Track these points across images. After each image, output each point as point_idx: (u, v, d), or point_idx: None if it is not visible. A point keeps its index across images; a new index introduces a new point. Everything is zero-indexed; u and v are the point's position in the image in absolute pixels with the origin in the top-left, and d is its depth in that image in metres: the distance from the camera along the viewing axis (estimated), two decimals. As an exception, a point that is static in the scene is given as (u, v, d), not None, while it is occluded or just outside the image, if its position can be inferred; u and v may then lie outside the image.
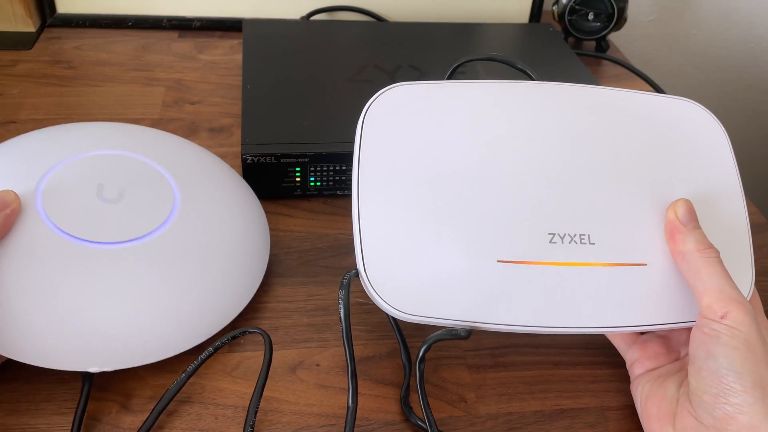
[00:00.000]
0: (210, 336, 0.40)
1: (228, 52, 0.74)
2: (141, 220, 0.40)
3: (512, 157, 0.39)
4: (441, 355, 0.43)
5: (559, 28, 0.79)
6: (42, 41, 0.73)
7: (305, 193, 0.54)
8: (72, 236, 0.38)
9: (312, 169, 0.52)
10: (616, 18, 0.76)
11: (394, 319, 0.41)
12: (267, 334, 0.38)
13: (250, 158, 0.50)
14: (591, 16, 0.77)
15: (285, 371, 0.41)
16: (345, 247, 0.50)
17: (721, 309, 0.33)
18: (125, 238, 0.39)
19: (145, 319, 0.38)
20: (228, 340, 0.39)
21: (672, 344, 0.40)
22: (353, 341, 0.43)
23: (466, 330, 0.35)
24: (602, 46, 0.80)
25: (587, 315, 0.36)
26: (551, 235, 0.37)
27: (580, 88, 0.43)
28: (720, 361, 0.32)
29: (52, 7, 0.75)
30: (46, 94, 0.64)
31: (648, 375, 0.39)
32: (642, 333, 0.41)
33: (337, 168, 0.52)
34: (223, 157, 0.53)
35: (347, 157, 0.52)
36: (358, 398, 0.39)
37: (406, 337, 0.42)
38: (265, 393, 0.39)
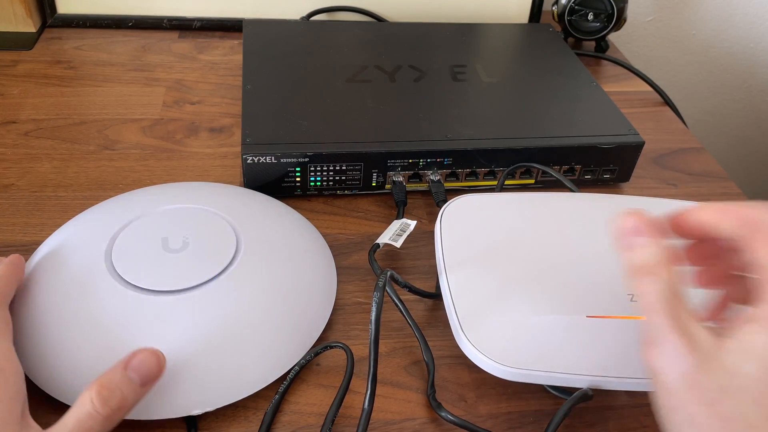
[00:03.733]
0: (298, 359, 0.40)
1: (228, 53, 0.74)
2: (208, 263, 0.42)
3: (571, 242, 0.44)
4: (441, 355, 0.43)
5: (558, 28, 0.79)
6: (42, 41, 0.73)
7: (305, 193, 0.54)
8: (146, 289, 0.40)
9: (312, 169, 0.52)
10: (616, 18, 0.76)
11: (413, 319, 0.43)
12: (348, 347, 0.40)
13: (250, 158, 0.50)
14: (591, 16, 0.77)
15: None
16: (345, 247, 0.50)
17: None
18: (195, 283, 0.40)
19: (237, 355, 0.39)
20: (311, 356, 0.40)
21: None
22: (355, 341, 0.43)
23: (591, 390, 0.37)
24: (602, 46, 0.80)
25: None
26: (631, 296, 0.40)
27: (612, 197, 0.51)
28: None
29: (53, 7, 0.75)
30: (47, 95, 0.64)
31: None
32: None
33: (337, 168, 0.52)
34: (223, 157, 0.54)
35: (347, 157, 0.52)
36: (358, 398, 0.39)
37: (404, 338, 0.42)
38: (265, 393, 0.39)
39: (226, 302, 0.40)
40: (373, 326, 0.37)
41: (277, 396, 0.39)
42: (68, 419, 0.31)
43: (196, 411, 0.37)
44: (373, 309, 0.37)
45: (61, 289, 0.40)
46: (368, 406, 0.36)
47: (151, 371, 0.34)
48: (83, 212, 0.48)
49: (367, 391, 0.36)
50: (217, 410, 0.38)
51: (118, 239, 0.43)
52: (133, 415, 0.35)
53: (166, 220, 0.45)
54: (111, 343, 0.37)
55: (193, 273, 0.41)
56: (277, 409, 0.39)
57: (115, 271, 0.41)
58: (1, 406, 0.30)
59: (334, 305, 0.44)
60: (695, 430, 0.25)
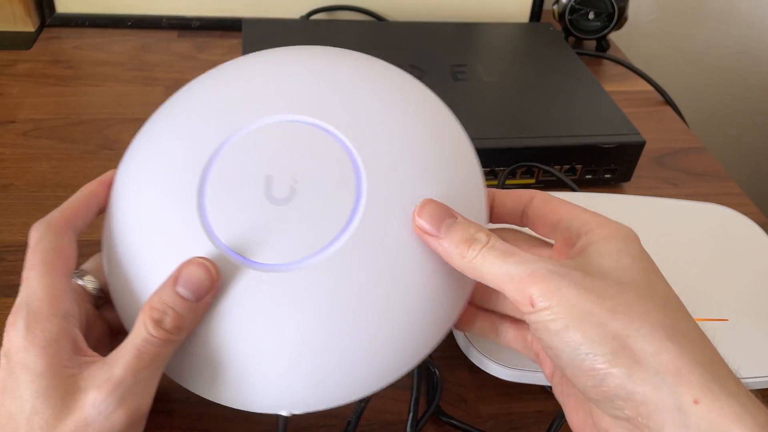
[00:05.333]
0: (414, 365, 0.32)
1: (228, 52, 0.74)
2: (319, 227, 0.31)
3: None
4: (441, 355, 0.42)
5: (559, 27, 0.79)
6: (41, 41, 0.73)
7: (305, 193, 0.54)
8: (250, 260, 0.30)
9: (312, 168, 0.52)
10: (617, 17, 0.76)
11: None
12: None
13: (250, 158, 0.50)
14: (591, 16, 0.77)
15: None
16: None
17: (525, 297, 0.27)
18: (296, 258, 0.30)
19: (335, 355, 0.30)
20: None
21: None
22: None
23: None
24: (602, 45, 0.79)
25: None
26: None
27: (613, 197, 0.51)
28: (567, 351, 0.26)
29: (52, 6, 0.75)
30: (46, 94, 0.64)
31: (564, 381, 0.32)
32: None
33: (337, 168, 0.52)
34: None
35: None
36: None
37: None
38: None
39: (345, 276, 0.30)
40: None
41: (362, 403, 0.36)
42: (126, 346, 0.28)
43: (284, 412, 0.31)
44: None
45: (149, 250, 0.31)
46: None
47: (202, 283, 0.29)
48: (164, 108, 0.39)
49: None
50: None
51: (209, 183, 0.32)
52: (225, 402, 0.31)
53: (265, 146, 0.33)
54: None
55: (304, 237, 0.30)
56: (360, 414, 0.36)
57: (215, 236, 0.31)
58: (39, 352, 0.27)
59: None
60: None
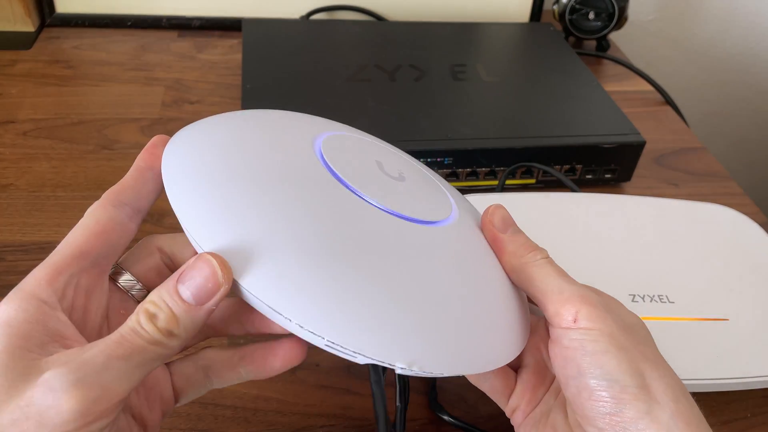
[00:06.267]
0: (514, 355, 0.30)
1: (227, 52, 0.74)
2: (434, 204, 0.32)
3: (571, 241, 0.44)
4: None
5: (559, 27, 0.79)
6: (41, 41, 0.73)
7: (305, 193, 0.54)
8: (395, 213, 0.29)
9: (312, 168, 0.52)
10: (617, 17, 0.76)
11: None
12: None
13: (250, 158, 0.50)
14: (591, 16, 0.77)
15: (285, 371, 0.41)
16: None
17: (570, 312, 0.28)
18: (434, 219, 0.31)
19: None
20: None
21: (542, 367, 0.34)
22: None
23: None
24: (603, 45, 0.79)
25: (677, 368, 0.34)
26: (632, 295, 0.41)
27: (613, 197, 0.51)
28: (595, 373, 0.27)
29: (51, 6, 0.75)
30: (45, 94, 0.64)
31: (531, 419, 0.33)
32: (516, 371, 0.35)
33: (337, 167, 0.52)
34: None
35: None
36: (358, 398, 0.39)
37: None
38: (265, 393, 0.39)
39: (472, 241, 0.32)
40: None
41: None
42: (111, 334, 0.25)
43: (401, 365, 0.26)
44: None
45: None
46: (401, 403, 0.36)
47: (204, 287, 0.25)
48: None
49: (396, 388, 0.36)
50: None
51: (326, 154, 0.31)
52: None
53: (360, 144, 0.34)
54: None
55: (425, 206, 0.31)
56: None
57: (353, 188, 0.29)
58: (4, 330, 0.24)
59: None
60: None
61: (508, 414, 0.34)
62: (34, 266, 0.31)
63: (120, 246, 0.28)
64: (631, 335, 0.29)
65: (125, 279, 0.30)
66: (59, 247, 0.27)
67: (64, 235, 0.27)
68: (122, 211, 0.28)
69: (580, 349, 0.28)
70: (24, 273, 0.30)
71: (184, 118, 0.62)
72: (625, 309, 0.31)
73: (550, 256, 0.32)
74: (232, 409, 0.38)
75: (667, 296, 0.42)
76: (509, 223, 0.32)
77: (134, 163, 0.29)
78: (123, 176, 0.29)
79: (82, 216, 0.28)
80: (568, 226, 0.46)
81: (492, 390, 0.34)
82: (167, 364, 0.31)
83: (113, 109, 0.63)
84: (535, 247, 0.31)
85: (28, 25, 0.73)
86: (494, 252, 0.32)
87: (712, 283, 0.43)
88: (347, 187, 0.29)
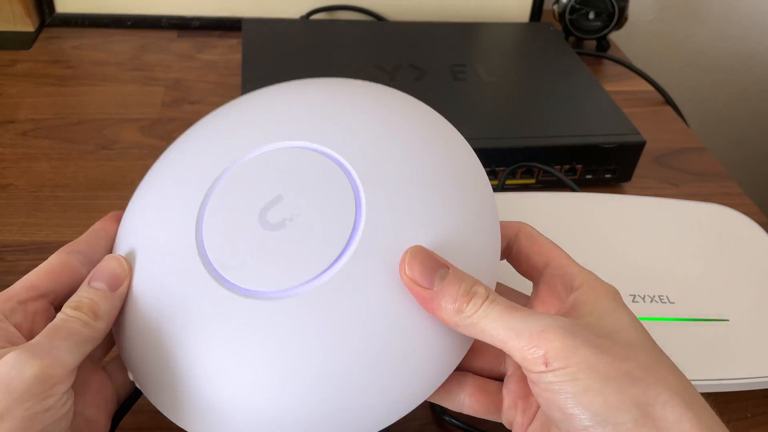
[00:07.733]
0: (419, 404, 0.29)
1: (227, 52, 0.74)
2: (313, 252, 0.29)
3: (572, 241, 0.43)
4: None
5: (559, 27, 0.79)
6: (41, 41, 0.73)
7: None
8: (244, 289, 0.30)
9: (312, 168, 0.52)
10: (617, 17, 0.76)
11: None
12: None
13: (250, 158, 0.50)
14: (591, 16, 0.77)
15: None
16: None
17: (538, 356, 0.25)
18: (286, 286, 0.29)
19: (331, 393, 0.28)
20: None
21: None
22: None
23: None
24: (603, 45, 0.79)
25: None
26: (633, 295, 0.41)
27: (613, 197, 0.51)
28: (584, 416, 0.25)
29: (51, 6, 0.75)
30: (45, 94, 0.64)
31: (531, 431, 0.30)
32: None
33: (337, 167, 0.52)
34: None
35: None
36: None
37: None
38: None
39: (345, 305, 0.28)
40: None
41: None
42: (48, 327, 0.29)
43: None
44: None
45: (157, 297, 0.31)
46: None
47: (113, 272, 0.32)
48: (172, 149, 0.37)
49: None
50: None
51: (208, 213, 0.32)
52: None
53: (268, 172, 0.33)
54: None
55: (302, 262, 0.29)
56: None
57: (214, 269, 0.31)
58: None
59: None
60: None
61: (508, 426, 0.31)
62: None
63: (68, 285, 0.32)
64: (608, 354, 0.25)
65: None
66: (19, 279, 0.32)
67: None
68: (74, 258, 0.33)
69: (560, 393, 0.25)
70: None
71: (183, 118, 0.62)
72: (599, 305, 0.28)
73: None
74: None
75: (667, 296, 0.42)
76: (434, 269, 0.28)
77: (92, 226, 0.35)
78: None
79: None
80: (568, 226, 0.46)
81: (473, 410, 0.32)
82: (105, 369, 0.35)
83: (113, 109, 0.63)
84: (474, 292, 0.27)
85: (27, 25, 0.73)
86: (426, 311, 0.28)
87: (712, 284, 0.43)
88: (211, 269, 0.31)
